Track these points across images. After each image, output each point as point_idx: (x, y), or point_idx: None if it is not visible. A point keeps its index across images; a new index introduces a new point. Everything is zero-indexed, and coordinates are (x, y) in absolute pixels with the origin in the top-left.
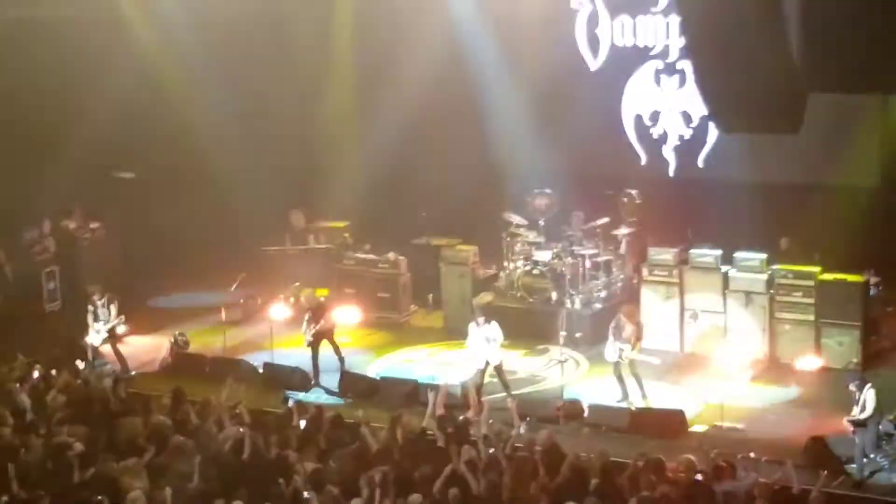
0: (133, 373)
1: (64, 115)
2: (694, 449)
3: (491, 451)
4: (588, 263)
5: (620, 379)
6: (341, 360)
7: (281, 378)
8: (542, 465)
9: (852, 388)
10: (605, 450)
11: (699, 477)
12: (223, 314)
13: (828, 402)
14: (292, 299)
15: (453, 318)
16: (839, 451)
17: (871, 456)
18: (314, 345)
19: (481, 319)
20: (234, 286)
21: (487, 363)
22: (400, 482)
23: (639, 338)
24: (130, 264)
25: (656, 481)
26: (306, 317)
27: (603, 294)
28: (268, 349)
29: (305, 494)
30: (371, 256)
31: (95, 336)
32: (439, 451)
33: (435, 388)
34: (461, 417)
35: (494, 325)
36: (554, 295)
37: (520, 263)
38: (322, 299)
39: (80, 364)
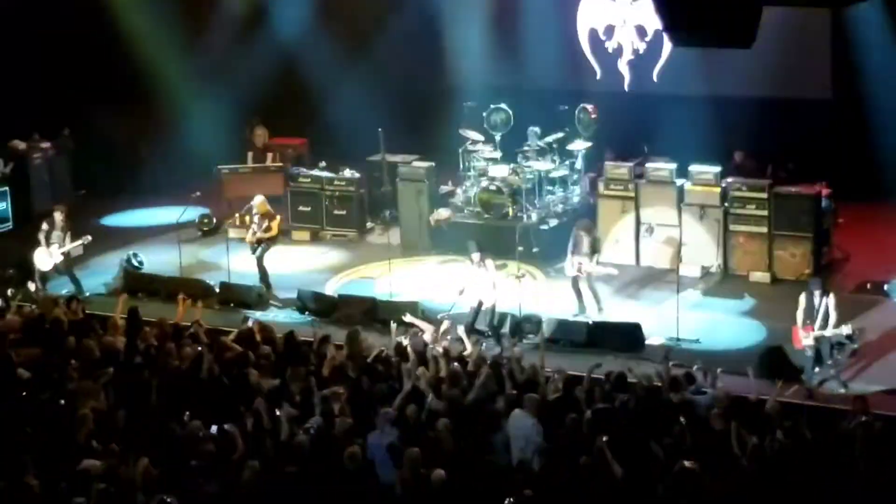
0: (87, 294)
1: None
2: (651, 361)
3: (454, 365)
4: (545, 178)
5: (578, 293)
6: (264, 278)
7: (238, 297)
8: (508, 378)
9: (816, 294)
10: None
11: (656, 387)
12: (178, 233)
13: (781, 312)
14: (248, 218)
15: (410, 234)
16: (796, 360)
17: (824, 365)
18: (259, 254)
19: (476, 256)
20: (189, 205)
21: (481, 303)
22: (356, 400)
23: (596, 251)
24: (82, 183)
25: (613, 393)
26: (255, 220)
27: (559, 209)
28: (224, 269)
29: (264, 413)
30: (326, 174)
31: (48, 259)
32: (397, 368)
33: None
34: (418, 334)
35: (490, 263)
36: (511, 210)
37: (476, 179)
38: (270, 208)
39: (32, 286)
